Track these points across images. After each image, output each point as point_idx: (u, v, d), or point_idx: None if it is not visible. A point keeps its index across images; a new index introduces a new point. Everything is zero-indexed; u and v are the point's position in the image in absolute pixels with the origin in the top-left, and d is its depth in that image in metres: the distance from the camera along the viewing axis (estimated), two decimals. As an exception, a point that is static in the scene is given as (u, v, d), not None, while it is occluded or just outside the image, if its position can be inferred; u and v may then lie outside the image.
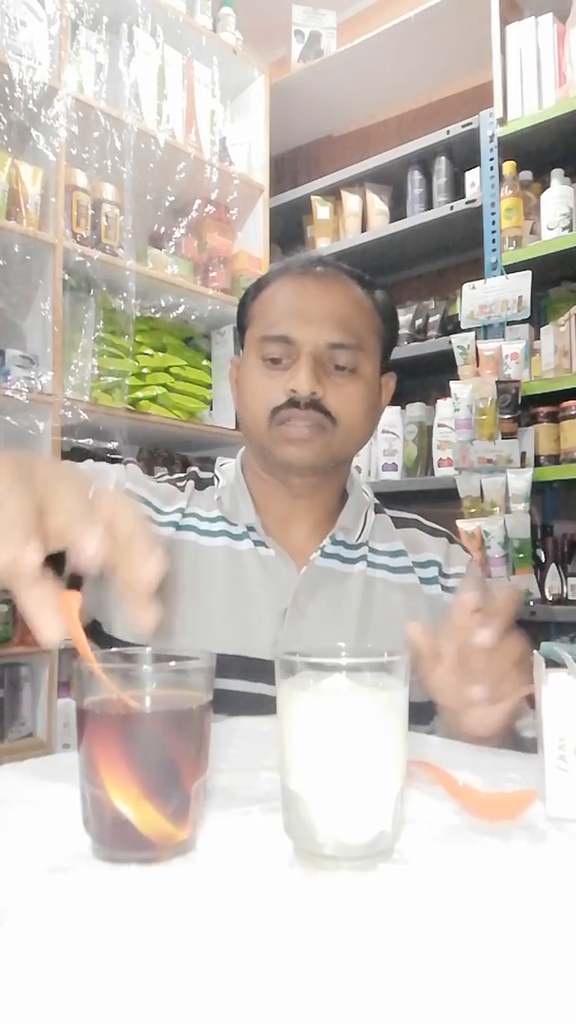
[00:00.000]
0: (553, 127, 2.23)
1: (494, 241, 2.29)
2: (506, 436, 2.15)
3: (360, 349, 0.92)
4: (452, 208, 2.44)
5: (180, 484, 1.01)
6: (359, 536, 0.98)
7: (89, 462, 1.01)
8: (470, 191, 2.44)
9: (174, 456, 2.67)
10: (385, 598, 0.96)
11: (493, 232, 2.30)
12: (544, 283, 2.35)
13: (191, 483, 1.01)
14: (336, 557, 0.97)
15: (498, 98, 2.30)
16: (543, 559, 2.23)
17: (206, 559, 0.94)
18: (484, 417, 2.15)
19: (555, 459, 2.20)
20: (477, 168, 2.39)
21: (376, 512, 1.02)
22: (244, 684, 0.87)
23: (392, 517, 1.04)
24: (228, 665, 0.87)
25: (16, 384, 2.02)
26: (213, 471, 1.04)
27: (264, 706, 0.79)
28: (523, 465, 2.16)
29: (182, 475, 1.03)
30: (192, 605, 0.91)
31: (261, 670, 0.87)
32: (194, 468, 1.05)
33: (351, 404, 0.91)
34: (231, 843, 0.47)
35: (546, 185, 2.26)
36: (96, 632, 0.91)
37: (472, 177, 2.44)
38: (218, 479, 1.01)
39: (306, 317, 0.90)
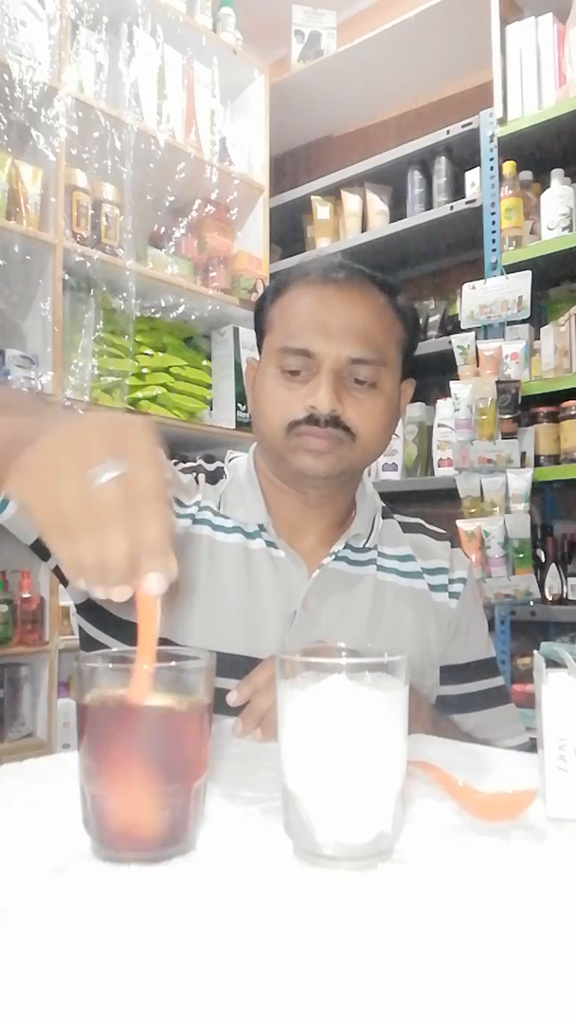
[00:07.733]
0: (553, 127, 2.23)
1: (494, 241, 2.29)
2: (506, 436, 2.15)
3: (382, 364, 0.90)
4: (452, 208, 2.43)
5: (194, 476, 1.00)
6: (368, 540, 0.98)
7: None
8: (470, 191, 2.44)
9: (174, 456, 2.66)
10: (395, 602, 0.96)
11: (493, 232, 2.30)
12: (544, 283, 2.35)
13: (203, 476, 1.00)
14: (346, 560, 0.96)
15: (498, 98, 2.29)
16: (543, 559, 2.23)
17: (220, 555, 0.93)
18: (484, 417, 2.15)
19: (555, 459, 2.20)
20: (477, 168, 2.39)
21: (384, 517, 1.02)
22: None
23: (399, 522, 1.04)
24: (234, 665, 0.86)
25: (16, 384, 2.01)
26: (218, 462, 1.03)
27: None
28: (523, 465, 2.16)
29: (193, 465, 1.02)
30: (203, 601, 0.90)
31: None
32: (200, 461, 1.03)
33: (371, 419, 0.90)
34: (231, 843, 0.47)
35: (546, 185, 2.26)
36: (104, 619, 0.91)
37: (472, 177, 2.44)
38: (225, 474, 1.00)
39: (327, 331, 0.88)
